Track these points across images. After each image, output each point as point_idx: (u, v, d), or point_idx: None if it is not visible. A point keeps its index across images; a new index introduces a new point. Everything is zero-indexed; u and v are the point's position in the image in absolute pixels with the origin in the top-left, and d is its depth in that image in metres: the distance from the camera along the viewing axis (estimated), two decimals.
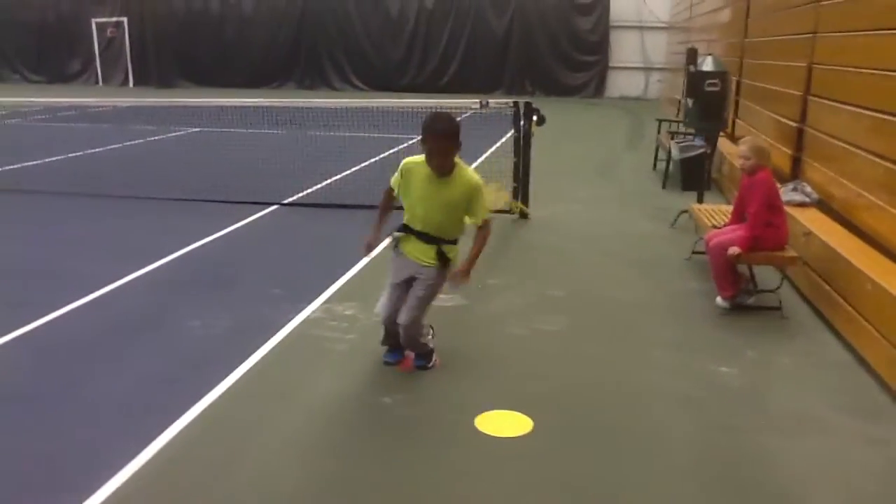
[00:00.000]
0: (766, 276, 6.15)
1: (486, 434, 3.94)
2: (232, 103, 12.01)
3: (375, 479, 3.55)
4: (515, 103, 8.16)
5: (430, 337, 4.71)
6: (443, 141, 4.16)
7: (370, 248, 4.56)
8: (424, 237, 4.40)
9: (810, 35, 7.76)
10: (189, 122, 16.48)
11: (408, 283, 4.49)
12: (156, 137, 14.98)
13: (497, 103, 8.32)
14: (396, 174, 4.44)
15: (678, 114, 16.04)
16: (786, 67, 8.54)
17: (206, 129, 16.10)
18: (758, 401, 4.37)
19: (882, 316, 4.66)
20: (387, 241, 4.70)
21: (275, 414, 4.12)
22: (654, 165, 11.93)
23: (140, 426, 3.94)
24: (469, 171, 4.34)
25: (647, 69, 25.95)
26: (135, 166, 11.99)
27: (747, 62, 10.89)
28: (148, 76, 28.53)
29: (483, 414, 4.10)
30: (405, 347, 4.65)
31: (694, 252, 7.04)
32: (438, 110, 4.42)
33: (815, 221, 6.28)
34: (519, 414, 4.11)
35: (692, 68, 7.83)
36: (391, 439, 3.91)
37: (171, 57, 28.57)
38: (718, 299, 5.76)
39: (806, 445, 3.88)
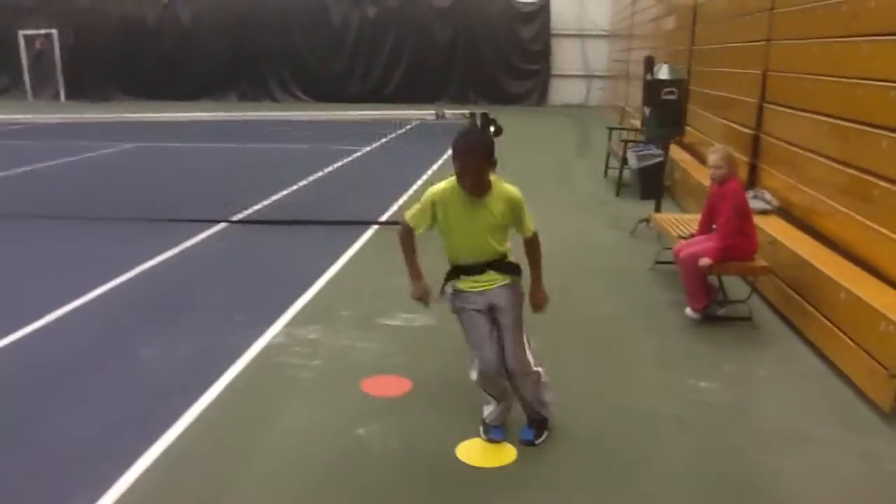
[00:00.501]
0: (734, 285, 6.11)
1: (468, 465, 3.75)
2: (172, 118, 11.60)
3: None
4: (472, 113, 7.99)
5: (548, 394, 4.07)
6: (477, 158, 3.65)
7: (428, 299, 3.95)
8: (478, 267, 3.84)
9: (764, 42, 7.80)
10: (126, 136, 15.91)
11: (491, 324, 3.87)
12: (91, 154, 14.40)
13: (454, 114, 8.15)
14: (420, 209, 3.83)
15: (621, 120, 16.19)
16: (739, 74, 8.58)
17: (144, 143, 15.58)
18: (744, 417, 4.27)
19: (858, 326, 4.62)
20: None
21: (245, 450, 3.86)
22: (606, 173, 11.93)
23: (98, 469, 3.64)
24: (505, 184, 3.81)
25: (589, 77, 26.18)
26: (70, 185, 11.49)
27: (696, 69, 10.96)
28: (81, 90, 27.55)
29: (464, 443, 3.90)
30: (526, 399, 3.98)
31: (657, 262, 6.98)
32: (464, 124, 3.90)
33: (778, 229, 6.27)
34: (503, 442, 3.92)
35: (649, 77, 7.78)
36: (370, 474, 3.68)
37: (105, 70, 27.66)
38: (688, 310, 5.68)
39: (799, 463, 3.79)
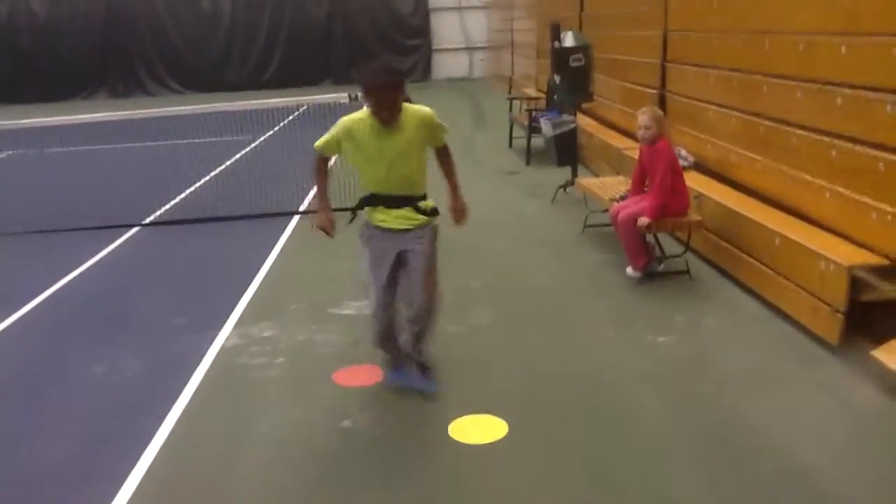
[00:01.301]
0: (664, 242, 6.34)
1: (463, 443, 3.78)
2: (53, 121, 10.84)
3: None
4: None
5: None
6: (391, 93, 3.76)
7: (330, 227, 4.02)
8: (395, 200, 3.96)
9: (661, 3, 8.07)
10: None
11: (396, 262, 4.00)
12: None
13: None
14: (329, 138, 3.97)
15: (510, 90, 16.37)
16: (637, 37, 8.85)
17: (18, 151, 14.57)
18: (706, 365, 4.48)
19: (797, 268, 4.90)
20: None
21: (230, 458, 3.74)
22: (511, 143, 12.08)
23: (84, 493, 3.47)
24: (412, 107, 3.95)
25: (470, 49, 26.36)
26: None
27: (588, 34, 11.19)
28: None
29: (455, 421, 3.92)
30: (414, 347, 4.15)
31: (586, 226, 7.16)
32: (373, 65, 4.02)
33: (701, 184, 6.53)
34: (492, 416, 3.96)
35: (556, 44, 7.92)
36: (365, 465, 3.65)
37: None
38: (629, 270, 5.86)
39: (766, 402, 4.01)
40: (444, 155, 4.17)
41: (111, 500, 3.42)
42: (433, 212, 4.07)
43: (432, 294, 4.04)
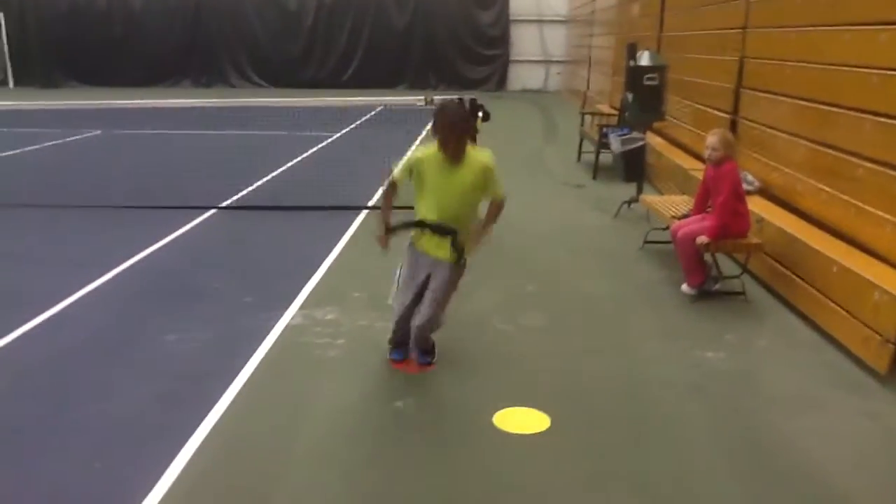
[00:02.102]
0: (722, 262, 6.41)
1: (507, 432, 3.96)
2: (145, 104, 11.43)
3: (407, 487, 3.51)
4: (460, 99, 8.12)
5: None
6: (457, 130, 4.24)
7: (385, 246, 4.55)
8: (440, 229, 4.40)
9: (740, 30, 8.13)
10: (87, 124, 15.60)
11: (424, 280, 4.50)
12: (58, 141, 14.15)
13: (442, 100, 8.27)
14: (403, 168, 4.46)
15: (584, 105, 16.46)
16: (714, 61, 8.91)
17: (110, 131, 15.35)
18: (753, 383, 4.56)
19: (852, 297, 4.94)
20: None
21: (289, 427, 4.00)
22: (579, 157, 12.20)
23: (152, 447, 3.76)
24: (479, 152, 4.42)
25: (547, 62, 26.53)
26: (42, 174, 11.26)
27: (666, 55, 11.26)
28: (30, 76, 26.82)
29: (501, 412, 4.11)
30: (415, 345, 4.65)
31: (646, 241, 7.26)
32: (444, 99, 4.46)
33: (763, 209, 6.59)
34: (535, 410, 4.14)
35: (632, 63, 8.05)
36: (414, 443, 3.87)
37: (54, 55, 26.89)
38: (685, 287, 5.96)
39: (809, 424, 4.09)
40: (495, 205, 4.57)
41: (176, 454, 3.69)
42: (462, 254, 4.47)
43: (437, 314, 4.52)
